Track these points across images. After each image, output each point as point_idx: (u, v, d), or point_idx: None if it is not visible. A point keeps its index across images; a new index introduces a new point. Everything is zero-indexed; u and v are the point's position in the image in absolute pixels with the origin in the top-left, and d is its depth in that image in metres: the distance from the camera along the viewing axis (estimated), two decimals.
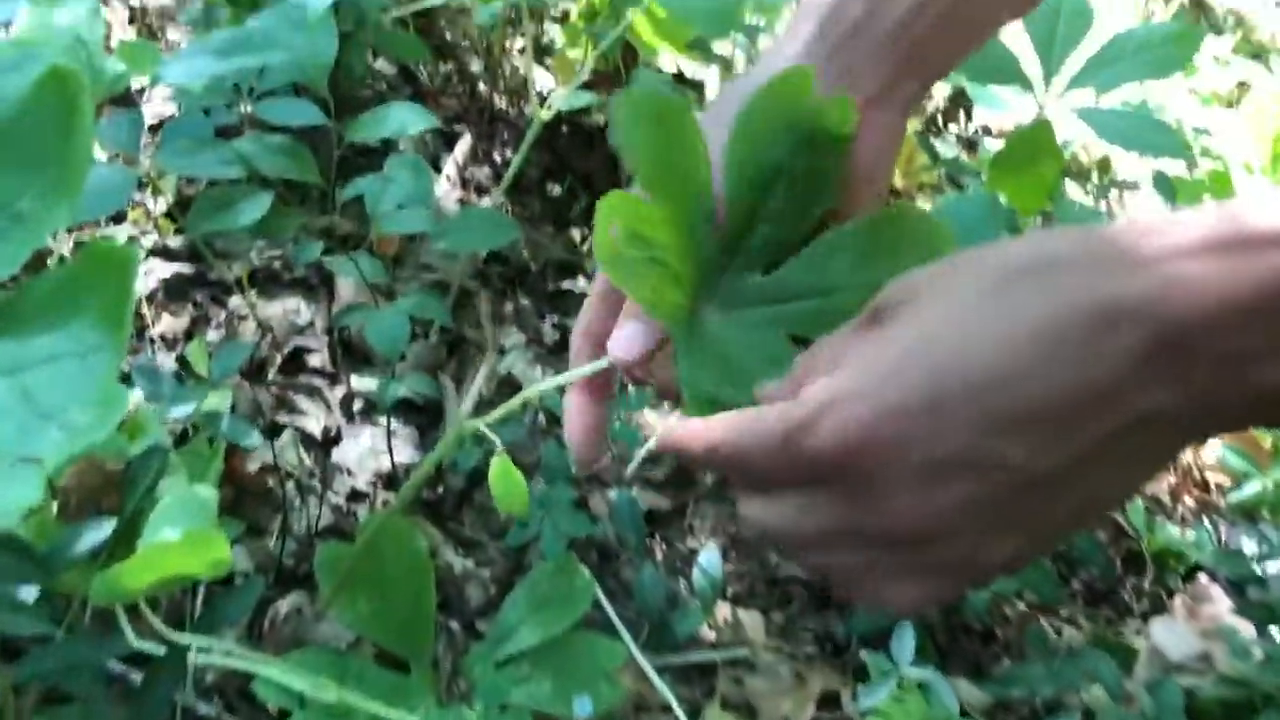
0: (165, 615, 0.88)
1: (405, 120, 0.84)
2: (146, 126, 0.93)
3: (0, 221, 0.50)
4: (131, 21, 1.45)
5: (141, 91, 1.31)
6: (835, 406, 0.43)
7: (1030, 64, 1.17)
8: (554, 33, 1.57)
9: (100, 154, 1.02)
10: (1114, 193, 1.32)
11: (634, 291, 0.51)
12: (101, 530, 0.69)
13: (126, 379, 1.00)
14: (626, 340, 0.53)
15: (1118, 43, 1.14)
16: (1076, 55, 1.18)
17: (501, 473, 0.63)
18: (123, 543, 0.72)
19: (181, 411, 0.71)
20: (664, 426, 0.53)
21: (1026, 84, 1.14)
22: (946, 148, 1.69)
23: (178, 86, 0.88)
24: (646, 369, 0.56)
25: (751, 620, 1.05)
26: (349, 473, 1.06)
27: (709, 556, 1.01)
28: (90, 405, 0.45)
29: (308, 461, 1.05)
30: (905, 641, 0.93)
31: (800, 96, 0.56)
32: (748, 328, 0.56)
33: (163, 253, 1.19)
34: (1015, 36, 1.20)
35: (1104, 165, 1.19)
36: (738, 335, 0.55)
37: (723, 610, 1.05)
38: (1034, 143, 1.13)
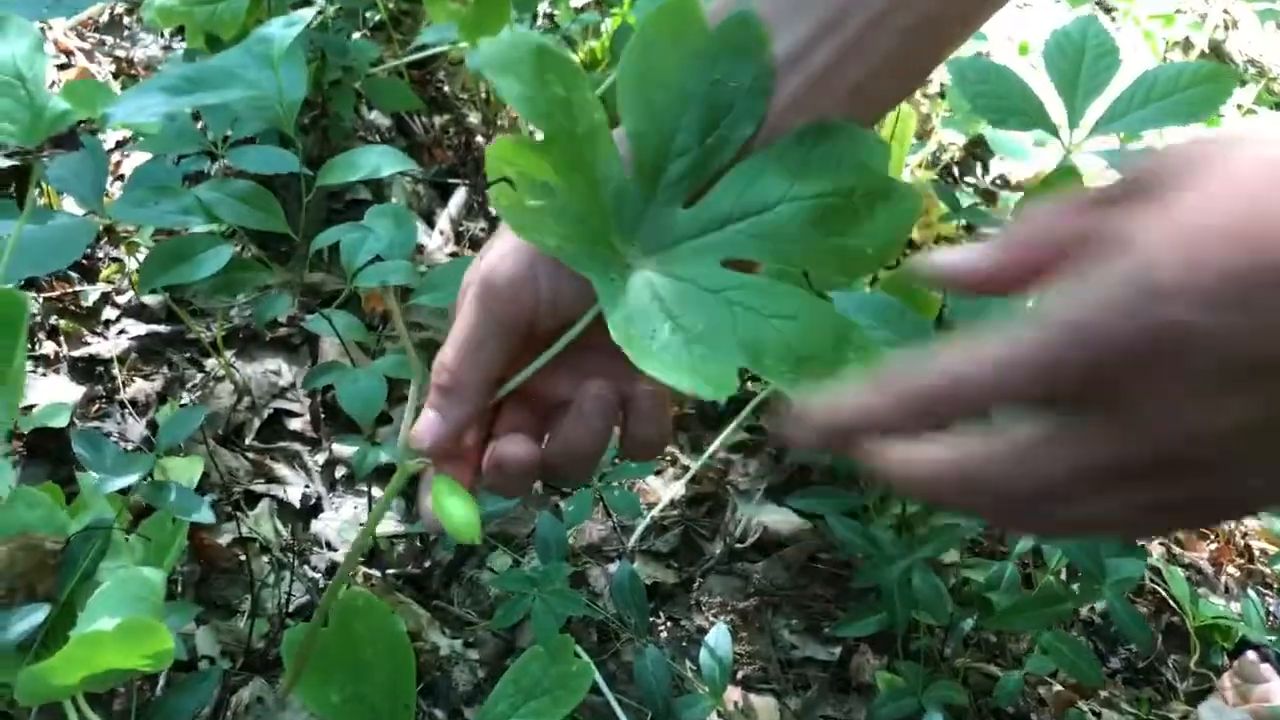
0: (121, 706, 0.80)
1: (379, 163, 0.77)
2: (112, 177, 0.86)
3: None
4: (117, 75, 1.40)
5: (121, 144, 1.26)
6: (1143, 295, 0.35)
7: (1052, 106, 1.11)
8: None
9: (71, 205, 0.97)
10: None
11: (542, 244, 0.48)
12: (32, 618, 0.62)
13: (64, 453, 0.93)
14: (423, 427, 0.53)
15: (1145, 83, 1.08)
16: (1101, 97, 1.12)
17: (443, 492, 0.53)
18: (56, 633, 0.65)
19: (123, 482, 0.64)
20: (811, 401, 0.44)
21: (1050, 128, 1.08)
22: (963, 198, 1.62)
23: (142, 133, 0.82)
24: (456, 450, 0.54)
25: (765, 706, 0.96)
26: (328, 545, 0.99)
27: (717, 635, 0.93)
28: None
29: (284, 533, 0.98)
30: None
31: (695, 16, 0.53)
32: (678, 263, 0.52)
33: (138, 312, 1.12)
34: (1035, 77, 1.14)
35: None
36: (669, 273, 0.51)
37: (733, 694, 0.96)
38: (1060, 189, 1.06)
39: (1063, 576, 1.03)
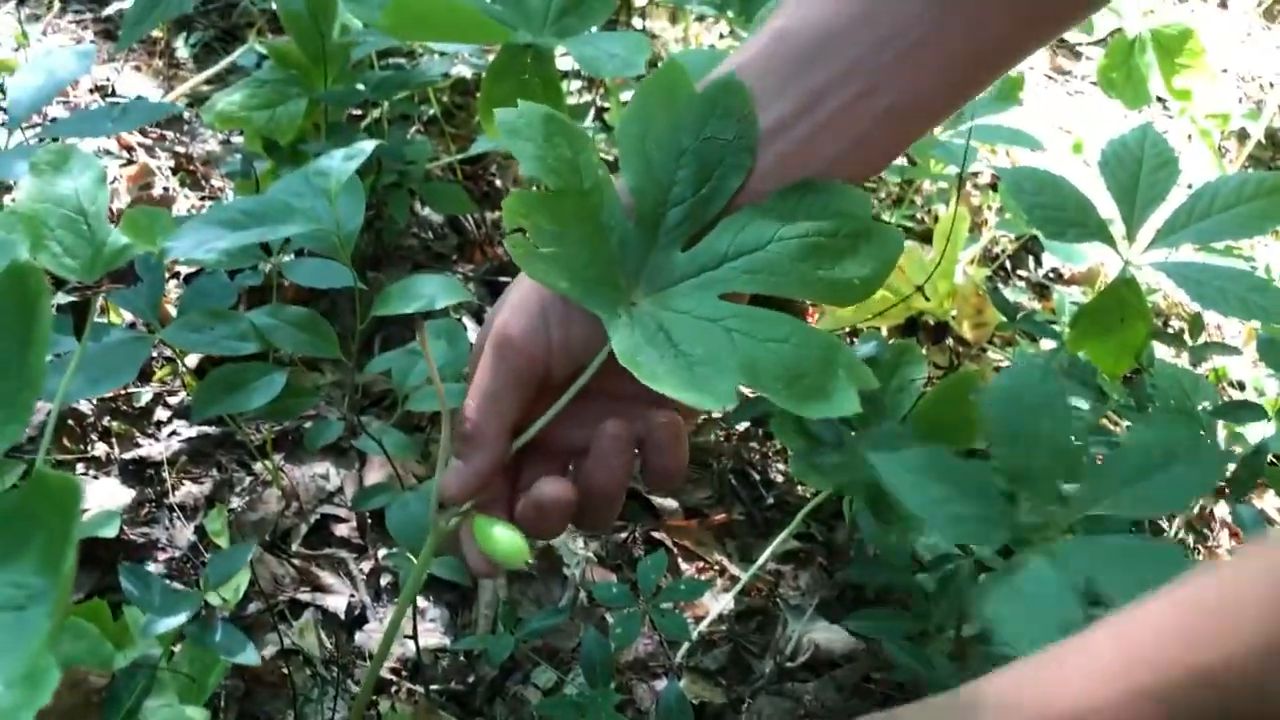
0: None
1: (435, 294, 0.78)
2: (168, 284, 0.87)
3: None
4: (176, 170, 1.43)
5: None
6: None
7: (1107, 211, 1.09)
8: None
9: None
10: (1210, 358, 1.23)
11: (554, 285, 0.53)
12: None
13: (110, 588, 0.93)
14: (450, 476, 0.58)
15: (1206, 194, 1.06)
16: (1160, 208, 1.10)
17: (483, 527, 0.57)
18: None
19: (172, 623, 0.63)
20: None
21: (1108, 240, 1.06)
22: (1015, 294, 1.61)
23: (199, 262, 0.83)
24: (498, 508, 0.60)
25: None
26: (372, 658, 0.97)
27: None
28: (18, 683, 0.37)
29: (328, 645, 0.96)
30: None
31: (683, 83, 0.60)
32: (678, 299, 0.58)
33: (188, 413, 1.13)
34: (1088, 176, 1.13)
35: (1195, 323, 1.10)
36: (670, 308, 0.57)
37: None
38: (1119, 302, 1.05)
39: None
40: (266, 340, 0.73)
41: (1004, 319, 1.38)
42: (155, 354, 1.17)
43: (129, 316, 1.08)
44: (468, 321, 1.27)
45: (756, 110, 0.57)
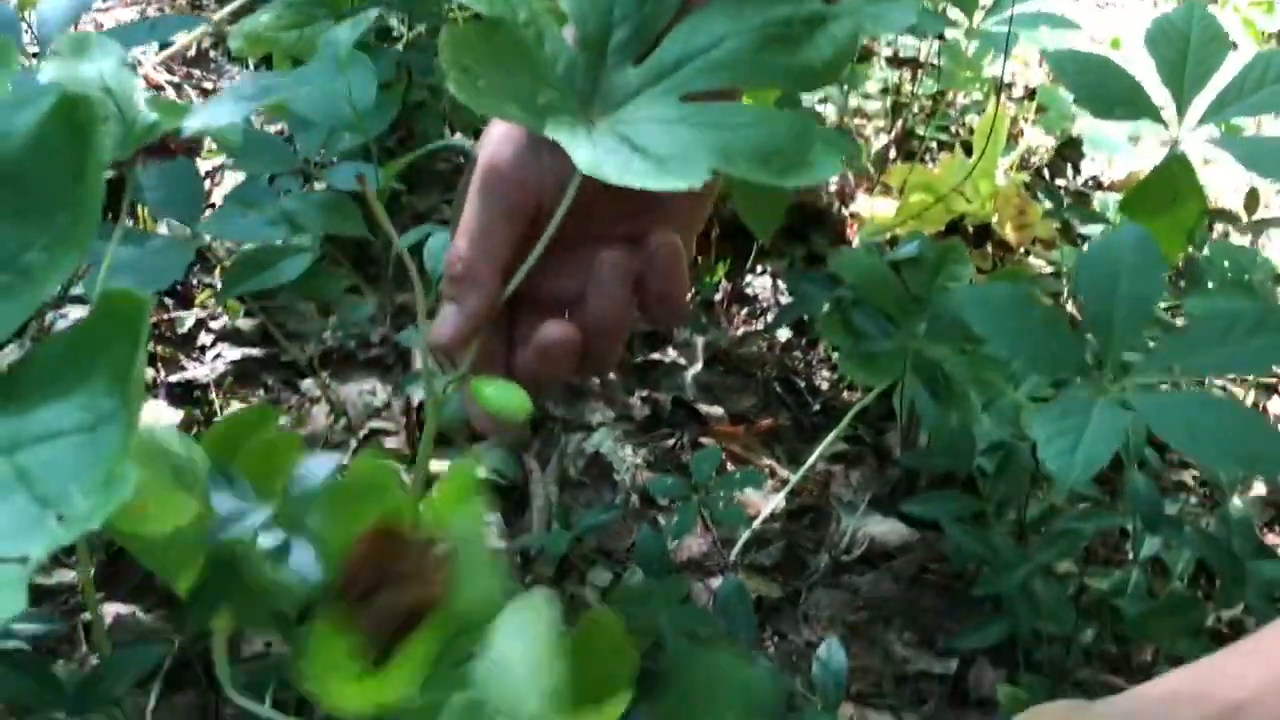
0: None
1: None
2: (206, 205, 0.87)
3: (4, 276, 0.43)
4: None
5: (210, 175, 1.27)
6: None
7: (1156, 94, 1.07)
8: None
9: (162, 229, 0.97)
10: (1268, 232, 1.20)
11: (503, 113, 0.51)
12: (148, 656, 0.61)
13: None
14: (442, 321, 0.54)
15: (1258, 66, 1.03)
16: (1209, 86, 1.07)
17: (479, 386, 0.53)
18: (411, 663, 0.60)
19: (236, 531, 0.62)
20: None
21: (1156, 116, 1.04)
22: (1054, 204, 1.58)
23: (238, 154, 0.82)
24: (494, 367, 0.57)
25: None
26: None
27: (830, 648, 0.89)
28: (94, 489, 0.37)
29: None
30: None
31: None
32: (638, 109, 0.56)
33: (232, 336, 1.13)
34: (1134, 65, 1.10)
35: (1251, 199, 1.07)
36: (630, 119, 0.55)
37: (847, 710, 0.93)
38: (1172, 180, 1.02)
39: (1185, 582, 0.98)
40: (295, 224, 0.72)
41: (1047, 222, 1.36)
42: (196, 280, 1.17)
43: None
44: None
45: None
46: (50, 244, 0.43)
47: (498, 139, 0.54)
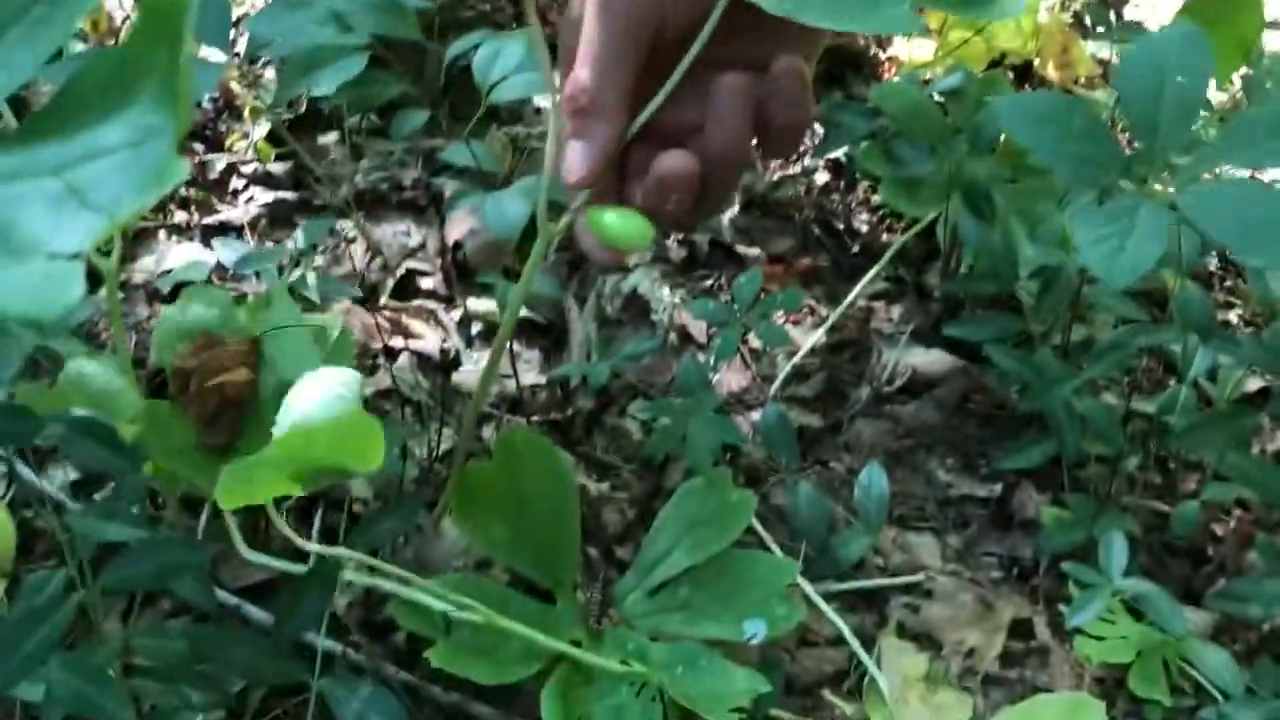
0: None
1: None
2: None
3: (39, 5, 0.42)
4: None
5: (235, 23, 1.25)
6: None
7: None
8: None
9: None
10: None
11: None
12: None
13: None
14: (574, 157, 0.51)
15: None
16: None
17: (596, 214, 0.51)
18: (252, 441, 0.63)
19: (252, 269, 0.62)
20: None
21: None
22: (1098, 47, 1.53)
23: None
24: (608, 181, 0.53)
25: (924, 544, 0.93)
26: (470, 396, 0.97)
27: (872, 472, 0.89)
28: (144, 187, 0.36)
29: (426, 385, 0.97)
30: (1116, 553, 0.80)
31: None
32: None
33: (264, 180, 1.12)
34: None
35: None
36: None
37: (890, 533, 0.93)
38: None
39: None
40: (345, 24, 0.70)
41: (1090, 60, 1.32)
42: (225, 126, 1.16)
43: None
44: None
45: None
46: None
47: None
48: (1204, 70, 0.78)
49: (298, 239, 0.95)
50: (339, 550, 0.61)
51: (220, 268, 1.03)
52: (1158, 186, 0.76)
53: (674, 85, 0.50)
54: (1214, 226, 0.69)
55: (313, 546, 0.58)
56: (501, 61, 0.75)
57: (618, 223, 0.49)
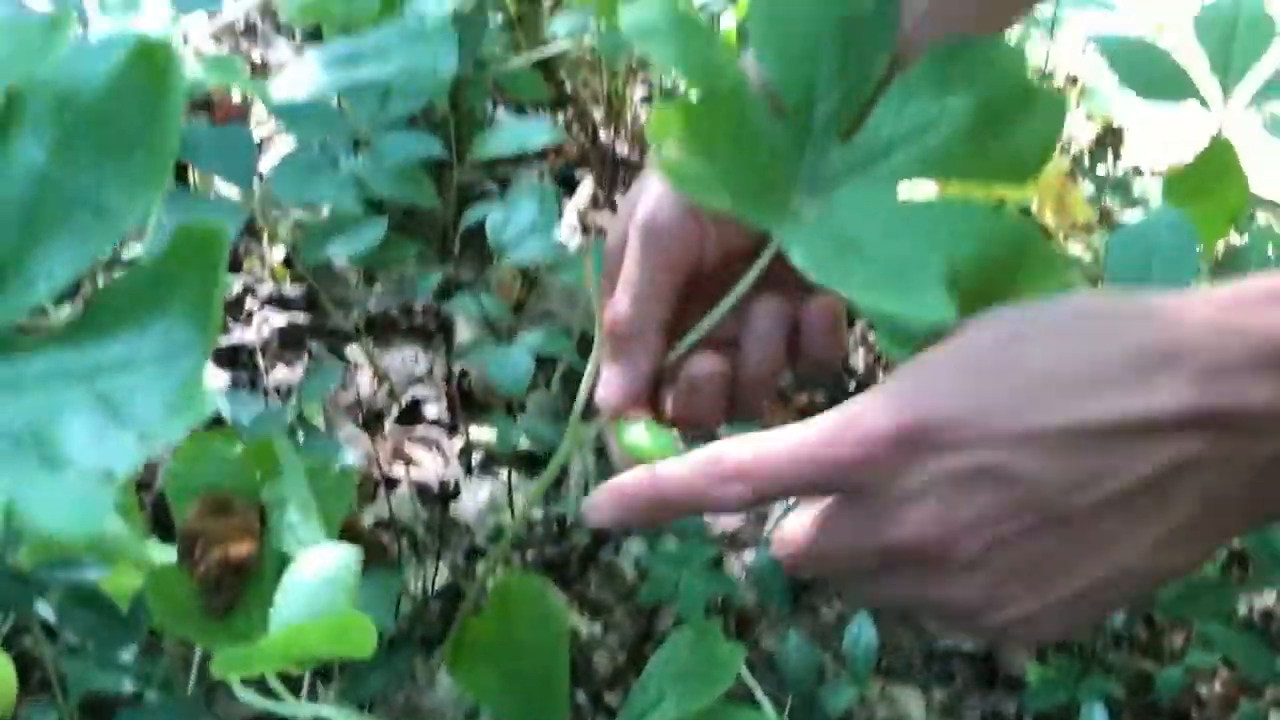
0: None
1: (529, 135, 0.78)
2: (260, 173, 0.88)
3: (82, 215, 0.44)
4: (252, 76, 1.44)
5: (259, 145, 1.29)
6: (868, 410, 0.43)
7: (1201, 80, 1.06)
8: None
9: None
10: None
11: (712, 201, 0.48)
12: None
13: None
14: (609, 386, 0.53)
15: None
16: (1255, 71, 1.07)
17: (625, 428, 0.51)
18: (252, 606, 0.65)
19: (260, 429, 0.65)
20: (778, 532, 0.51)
21: (1201, 99, 1.04)
22: (1095, 189, 1.58)
23: (291, 121, 0.84)
24: (642, 406, 0.54)
25: (910, 697, 0.94)
26: (467, 529, 0.99)
27: (861, 623, 0.90)
28: (173, 410, 0.38)
29: (424, 516, 0.98)
30: (1096, 716, 0.81)
31: None
32: (851, 197, 0.52)
33: (278, 301, 1.15)
34: (1180, 49, 1.10)
35: None
36: (846, 209, 0.52)
37: (877, 684, 0.94)
38: (1215, 164, 1.02)
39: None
40: (366, 191, 0.73)
41: (1087, 208, 1.36)
42: (243, 247, 1.19)
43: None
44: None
45: None
46: (127, 184, 0.44)
47: (653, 196, 0.52)
48: (1190, 259, 0.81)
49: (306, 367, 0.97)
50: (327, 710, 0.62)
51: (231, 387, 1.06)
52: None
53: (711, 325, 0.52)
54: None
55: (303, 710, 0.59)
56: (514, 223, 0.78)
57: (643, 438, 0.51)
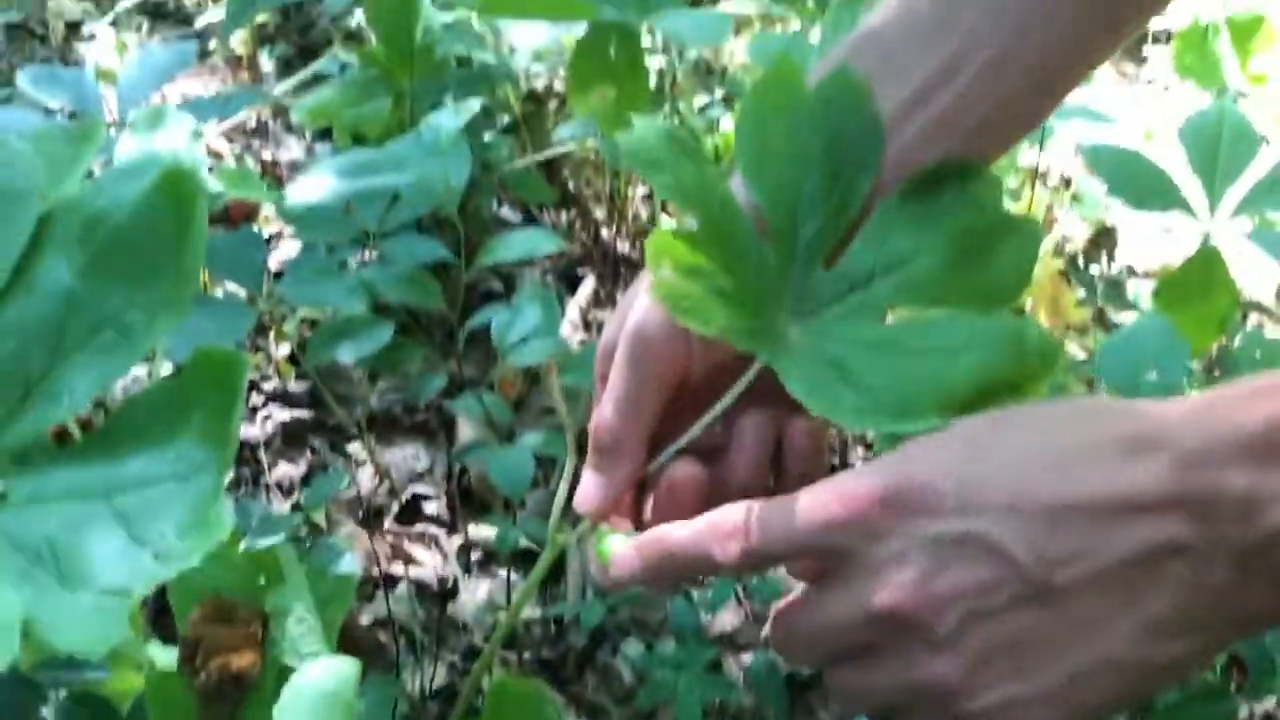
0: None
1: (534, 243, 0.80)
2: (269, 269, 0.91)
3: (107, 334, 0.46)
4: (263, 175, 1.48)
5: (268, 241, 1.32)
6: (859, 474, 0.44)
7: (1188, 188, 1.09)
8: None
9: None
10: None
11: (707, 327, 0.49)
12: None
13: None
14: (587, 491, 0.54)
15: None
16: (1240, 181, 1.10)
17: (603, 538, 0.53)
18: (255, 716, 0.65)
19: (271, 540, 0.65)
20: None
21: (1188, 208, 1.06)
22: (1088, 291, 1.60)
23: (300, 224, 0.86)
24: (622, 511, 0.55)
25: None
26: (464, 628, 0.99)
27: None
28: (189, 530, 0.39)
29: (422, 615, 0.98)
30: None
31: (797, 82, 0.56)
32: (836, 325, 0.54)
33: (282, 398, 1.16)
34: (1167, 159, 1.13)
35: None
36: (834, 337, 0.53)
37: None
38: (1203, 272, 1.05)
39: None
40: (375, 294, 0.75)
41: (1080, 309, 1.38)
42: (249, 343, 1.21)
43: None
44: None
45: (896, 80, 0.53)
46: (152, 306, 0.46)
47: (642, 309, 0.53)
48: (1179, 363, 0.83)
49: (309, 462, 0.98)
50: None
51: (234, 484, 1.07)
52: None
53: (693, 438, 0.53)
54: None
55: None
56: (518, 325, 0.80)
57: (617, 548, 0.52)
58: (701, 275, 0.50)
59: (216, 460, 0.42)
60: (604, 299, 1.36)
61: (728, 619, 1.05)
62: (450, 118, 0.71)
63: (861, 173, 0.55)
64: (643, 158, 0.52)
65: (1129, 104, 2.13)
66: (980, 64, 0.53)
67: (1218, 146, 1.10)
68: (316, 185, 0.67)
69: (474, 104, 0.75)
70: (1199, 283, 1.05)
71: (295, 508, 1.05)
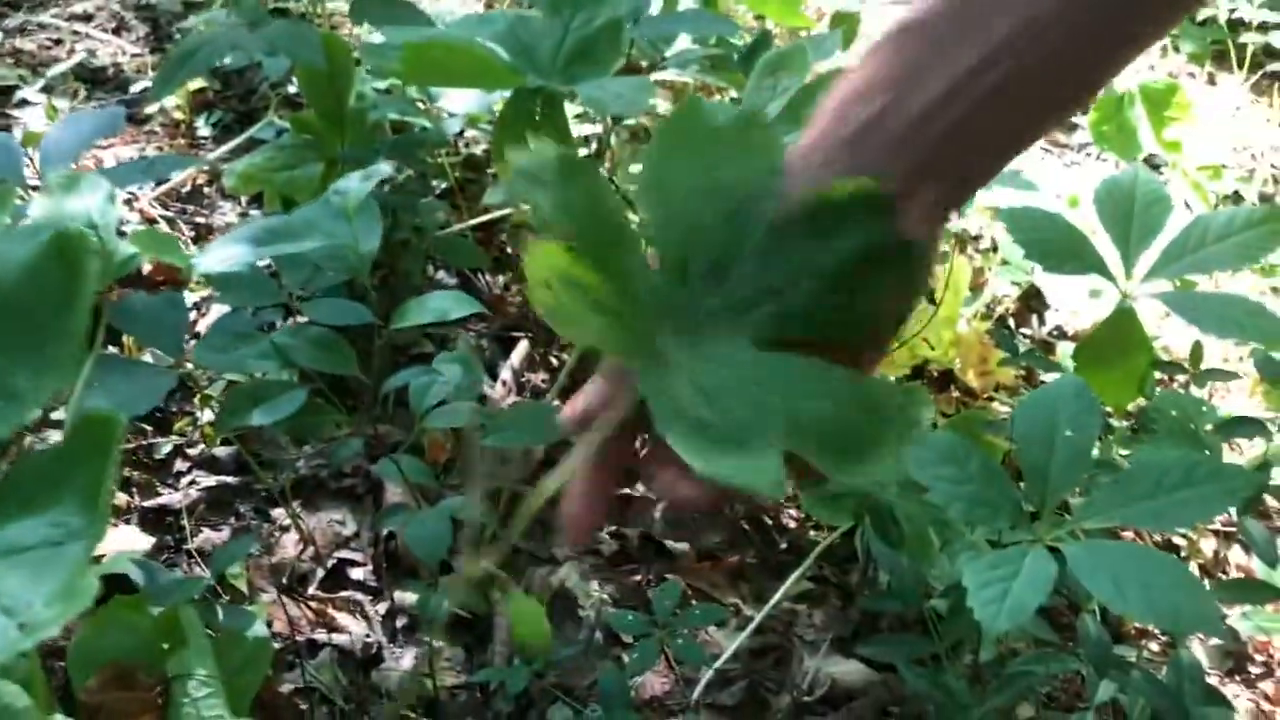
0: None
1: (449, 306, 0.80)
2: (189, 336, 0.90)
3: None
4: (197, 240, 1.47)
5: (197, 307, 1.31)
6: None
7: (1105, 251, 1.12)
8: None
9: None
10: (1210, 384, 1.25)
11: (580, 338, 0.52)
12: None
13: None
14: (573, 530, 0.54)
15: (1199, 228, 1.09)
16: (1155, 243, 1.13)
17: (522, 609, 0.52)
18: None
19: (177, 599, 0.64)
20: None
21: (1104, 271, 1.09)
22: (1011, 352, 1.63)
23: (221, 288, 0.86)
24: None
25: None
26: (388, 695, 0.97)
27: None
28: (55, 598, 0.39)
29: (344, 682, 0.97)
30: None
31: (702, 121, 0.57)
32: (711, 351, 0.53)
33: (208, 463, 1.15)
34: (1086, 229, 1.16)
35: (1196, 352, 1.12)
36: (706, 357, 0.53)
37: None
38: (1120, 332, 1.07)
39: None
40: (288, 361, 0.75)
41: (1008, 368, 1.41)
42: (175, 408, 1.19)
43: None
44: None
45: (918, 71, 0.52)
46: (38, 370, 0.46)
47: (590, 390, 0.55)
48: (1092, 424, 0.84)
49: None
50: None
51: (155, 551, 1.05)
52: (1047, 532, 0.80)
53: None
54: (1093, 582, 0.73)
55: None
56: (438, 388, 0.80)
57: (528, 623, 0.52)
58: (580, 287, 0.50)
59: (89, 528, 0.41)
60: (538, 362, 1.36)
61: (656, 683, 1.04)
62: (358, 182, 0.72)
63: (756, 213, 0.55)
64: (531, 178, 0.52)
65: (1057, 171, 2.18)
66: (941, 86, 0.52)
67: (1131, 211, 1.13)
68: (229, 250, 0.67)
69: (384, 169, 0.75)
70: (1116, 343, 1.07)
71: (218, 577, 1.04)
